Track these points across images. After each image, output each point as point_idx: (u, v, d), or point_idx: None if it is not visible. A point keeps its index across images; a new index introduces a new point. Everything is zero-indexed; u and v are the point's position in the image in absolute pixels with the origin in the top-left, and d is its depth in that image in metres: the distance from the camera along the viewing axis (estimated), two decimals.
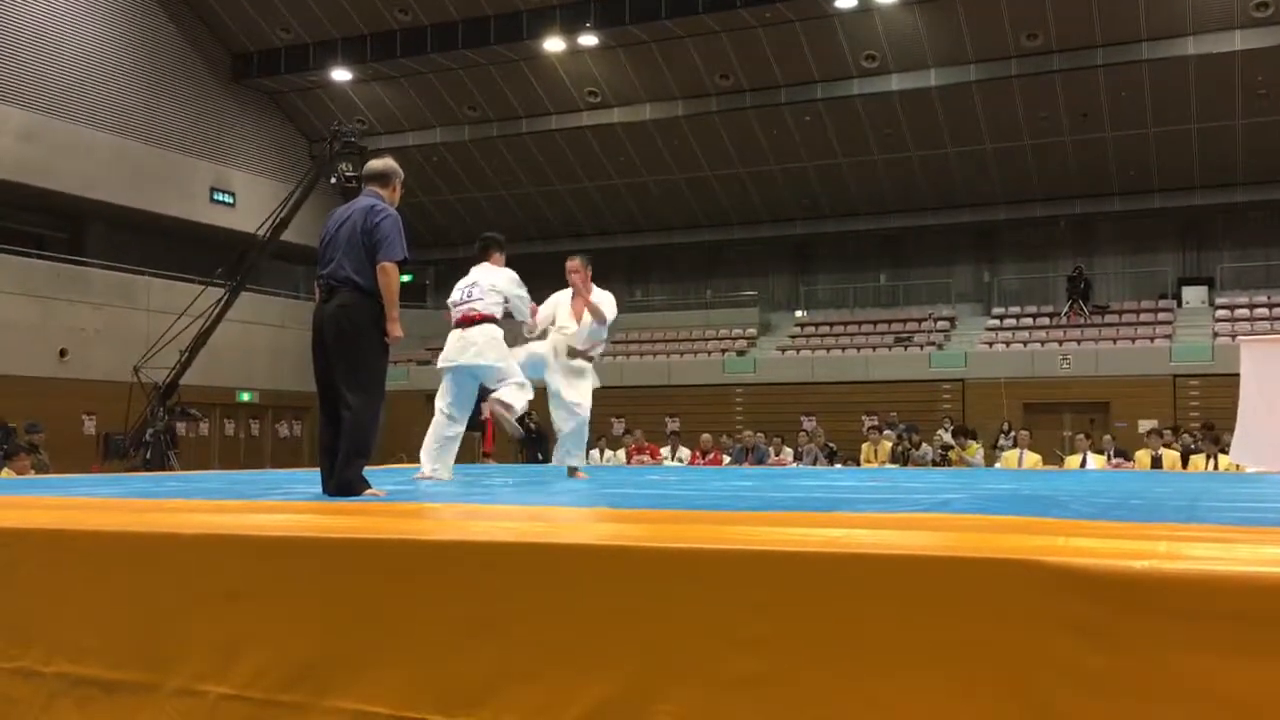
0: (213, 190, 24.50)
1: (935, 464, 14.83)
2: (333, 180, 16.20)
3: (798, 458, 16.07)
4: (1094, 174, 22.95)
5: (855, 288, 26.53)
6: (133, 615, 3.09)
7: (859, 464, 15.16)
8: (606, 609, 2.56)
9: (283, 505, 4.55)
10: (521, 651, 2.61)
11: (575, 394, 7.24)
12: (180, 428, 16.89)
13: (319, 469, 5.00)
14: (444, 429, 6.57)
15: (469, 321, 6.53)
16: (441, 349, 6.63)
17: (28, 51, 20.93)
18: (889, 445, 15.37)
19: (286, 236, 27.10)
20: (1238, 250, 23.59)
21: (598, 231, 27.17)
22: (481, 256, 6.91)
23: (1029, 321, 23.48)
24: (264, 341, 24.04)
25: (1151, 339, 21.52)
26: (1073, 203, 23.75)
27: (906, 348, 23.13)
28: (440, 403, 6.62)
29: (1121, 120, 21.61)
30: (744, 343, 24.95)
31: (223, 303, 16.38)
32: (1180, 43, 20.09)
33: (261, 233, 16.68)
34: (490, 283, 6.68)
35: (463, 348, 6.48)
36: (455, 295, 6.71)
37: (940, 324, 24.00)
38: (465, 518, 3.90)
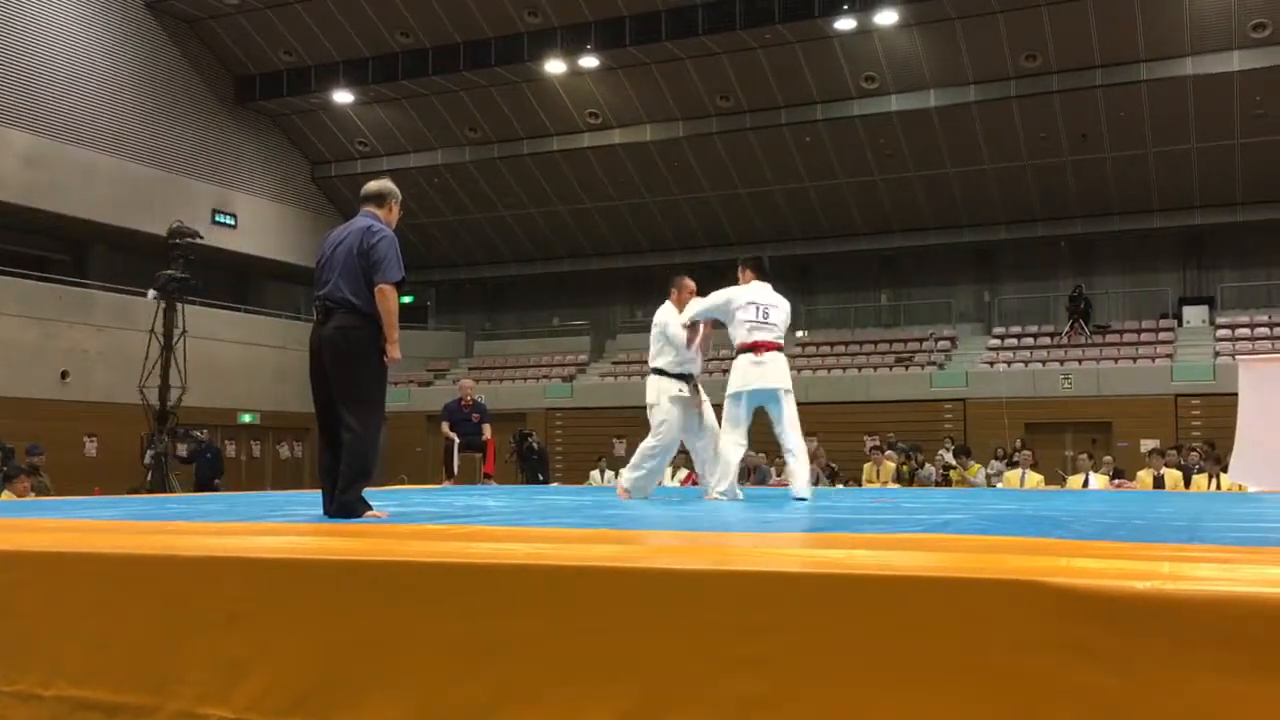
0: (214, 212, 24.54)
1: (937, 484, 14.81)
2: (150, 295, 14.91)
3: None
4: (1094, 194, 23.00)
5: (856, 308, 26.56)
6: (134, 638, 3.08)
7: (861, 484, 15.13)
8: (608, 631, 2.55)
9: (284, 527, 4.54)
10: (524, 674, 2.61)
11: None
12: (229, 448, 15.73)
13: (320, 491, 5.00)
14: (735, 454, 6.73)
15: (774, 349, 6.70)
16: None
17: (31, 76, 21.04)
18: (891, 465, 15.32)
19: (286, 256, 26.90)
20: (1238, 270, 23.61)
21: (598, 252, 27.23)
22: (759, 273, 6.93)
23: (1030, 341, 23.47)
24: (266, 362, 24.07)
25: (1153, 359, 21.51)
26: (1073, 222, 23.80)
27: (907, 368, 23.12)
28: (737, 432, 6.75)
29: (1121, 140, 21.68)
30: None
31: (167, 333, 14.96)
32: (1179, 63, 20.18)
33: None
34: (780, 306, 6.87)
35: (762, 374, 6.64)
36: (747, 312, 6.72)
37: (941, 344, 23.99)
38: (466, 539, 3.89)
